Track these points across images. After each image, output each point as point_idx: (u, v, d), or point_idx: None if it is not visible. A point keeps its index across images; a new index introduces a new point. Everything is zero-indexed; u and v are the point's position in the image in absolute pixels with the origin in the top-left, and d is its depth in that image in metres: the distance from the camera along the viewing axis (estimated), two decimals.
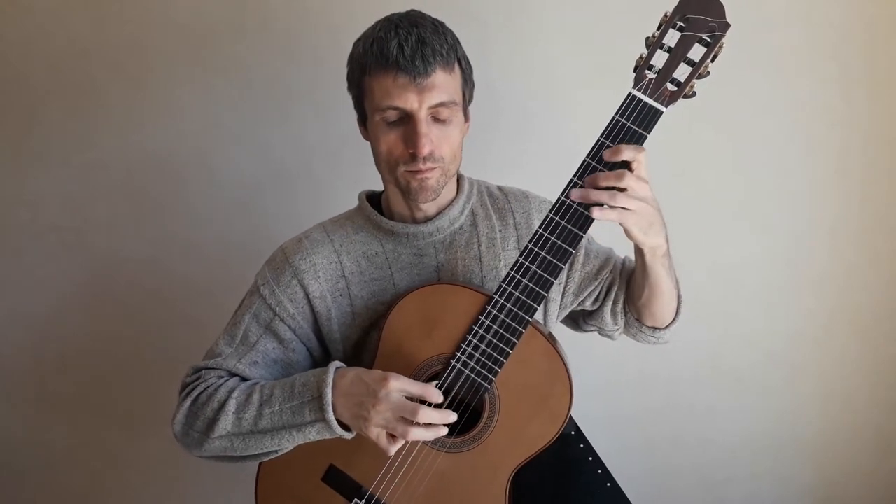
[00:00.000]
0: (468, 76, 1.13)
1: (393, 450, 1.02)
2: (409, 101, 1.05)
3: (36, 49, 1.63)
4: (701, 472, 1.86)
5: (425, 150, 1.06)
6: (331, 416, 1.03)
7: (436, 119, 1.08)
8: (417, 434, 1.00)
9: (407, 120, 1.07)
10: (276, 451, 1.10)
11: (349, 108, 1.17)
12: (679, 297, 1.19)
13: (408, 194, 1.12)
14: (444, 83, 1.06)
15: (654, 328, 1.22)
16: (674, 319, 1.21)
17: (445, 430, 1.02)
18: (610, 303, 1.24)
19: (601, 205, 0.95)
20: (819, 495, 1.88)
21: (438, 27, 1.08)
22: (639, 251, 1.07)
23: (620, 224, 0.98)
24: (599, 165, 0.97)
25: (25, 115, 1.66)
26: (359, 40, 1.11)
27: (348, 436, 1.05)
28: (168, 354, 1.75)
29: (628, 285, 1.21)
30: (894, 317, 1.76)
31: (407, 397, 1.01)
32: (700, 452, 1.85)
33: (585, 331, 1.34)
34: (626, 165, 0.97)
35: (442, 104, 1.06)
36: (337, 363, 1.08)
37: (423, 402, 1.01)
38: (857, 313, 1.77)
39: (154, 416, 1.69)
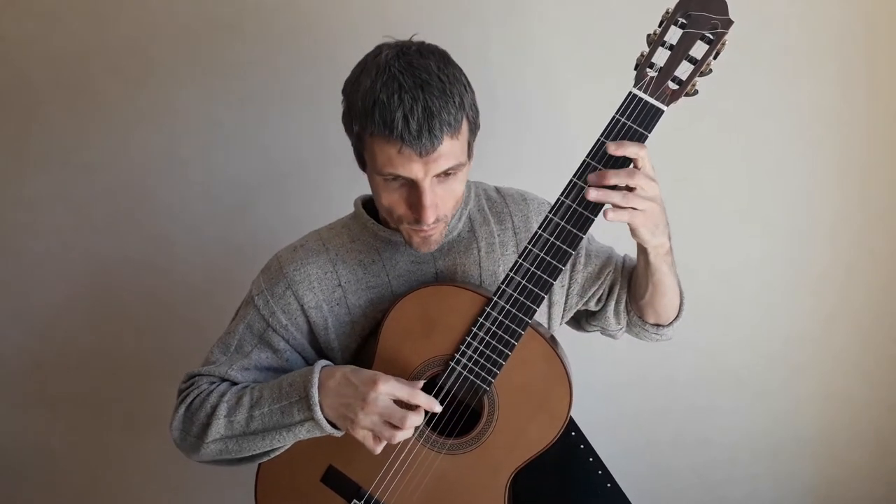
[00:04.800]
0: (474, 125, 1.06)
1: (378, 449, 1.02)
2: (414, 171, 0.99)
3: (36, 49, 1.63)
4: (701, 472, 1.86)
5: (430, 219, 1.02)
6: (319, 415, 1.02)
7: (439, 176, 1.02)
8: (402, 437, 1.00)
9: (411, 183, 1.02)
10: (271, 452, 1.10)
11: None
12: (681, 293, 1.19)
13: (409, 246, 1.11)
14: (449, 151, 0.99)
15: (658, 325, 1.22)
16: (677, 316, 1.21)
17: (423, 420, 1.01)
18: (613, 302, 1.23)
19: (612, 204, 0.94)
20: (819, 495, 1.87)
21: (446, 85, 0.98)
22: (642, 250, 1.07)
23: (629, 224, 0.97)
24: (600, 165, 0.97)
25: (25, 115, 1.66)
26: (355, 85, 1.02)
27: (338, 433, 1.05)
28: (167, 354, 1.75)
29: (630, 284, 1.21)
30: (894, 317, 1.76)
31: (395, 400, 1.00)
32: (700, 452, 1.85)
33: (588, 331, 1.33)
34: (629, 163, 0.96)
35: (448, 169, 1.01)
36: (323, 362, 1.07)
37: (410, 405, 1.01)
38: (857, 313, 1.76)
39: (154, 416, 1.69)
